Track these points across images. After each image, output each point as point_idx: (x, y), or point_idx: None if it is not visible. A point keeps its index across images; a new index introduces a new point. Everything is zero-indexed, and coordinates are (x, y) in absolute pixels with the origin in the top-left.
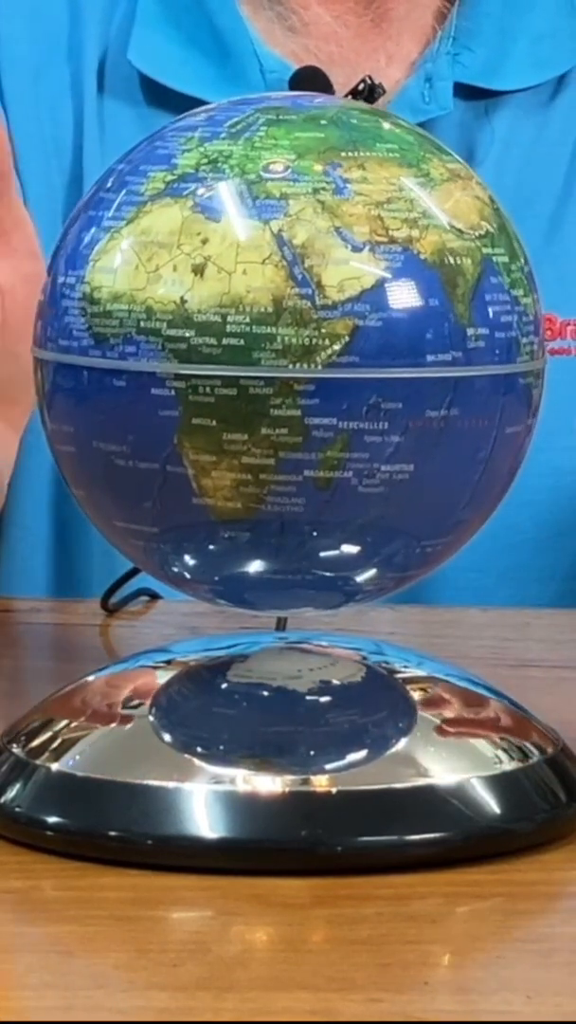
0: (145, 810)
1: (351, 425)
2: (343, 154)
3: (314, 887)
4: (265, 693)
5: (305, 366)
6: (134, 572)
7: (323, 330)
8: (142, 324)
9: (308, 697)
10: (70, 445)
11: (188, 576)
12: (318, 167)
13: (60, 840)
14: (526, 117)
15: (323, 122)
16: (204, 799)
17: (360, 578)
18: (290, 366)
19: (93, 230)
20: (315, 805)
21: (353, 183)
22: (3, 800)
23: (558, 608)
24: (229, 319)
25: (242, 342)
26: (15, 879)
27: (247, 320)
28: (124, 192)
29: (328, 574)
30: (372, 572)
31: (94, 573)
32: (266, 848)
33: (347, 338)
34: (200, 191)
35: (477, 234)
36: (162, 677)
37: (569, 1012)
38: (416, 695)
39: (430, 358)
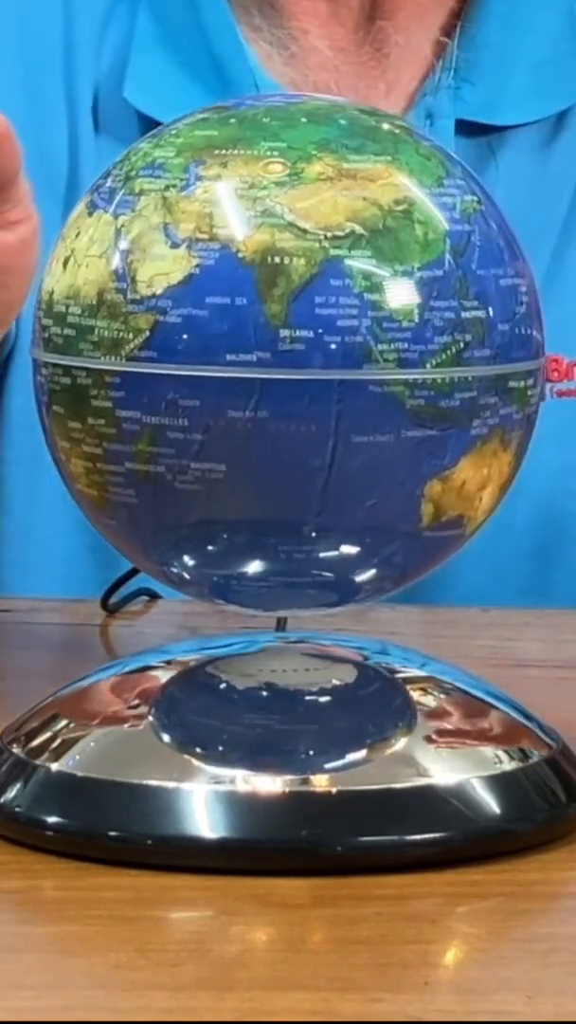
0: (145, 810)
1: (153, 420)
2: (216, 152)
3: (314, 887)
4: (265, 693)
5: (112, 359)
6: (134, 572)
7: (129, 324)
8: (36, 314)
9: (308, 697)
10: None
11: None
12: (183, 164)
13: (60, 840)
14: (529, 154)
15: (232, 120)
16: (204, 799)
17: (237, 576)
18: (101, 358)
19: None
20: (315, 805)
21: (204, 180)
22: (3, 800)
23: (558, 608)
24: (70, 310)
25: (73, 333)
26: (15, 879)
27: (80, 311)
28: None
29: (207, 570)
30: (235, 570)
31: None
32: (266, 848)
33: (148, 333)
34: (99, 187)
35: (330, 235)
36: (162, 677)
37: (569, 1012)
38: (416, 695)
39: (230, 357)
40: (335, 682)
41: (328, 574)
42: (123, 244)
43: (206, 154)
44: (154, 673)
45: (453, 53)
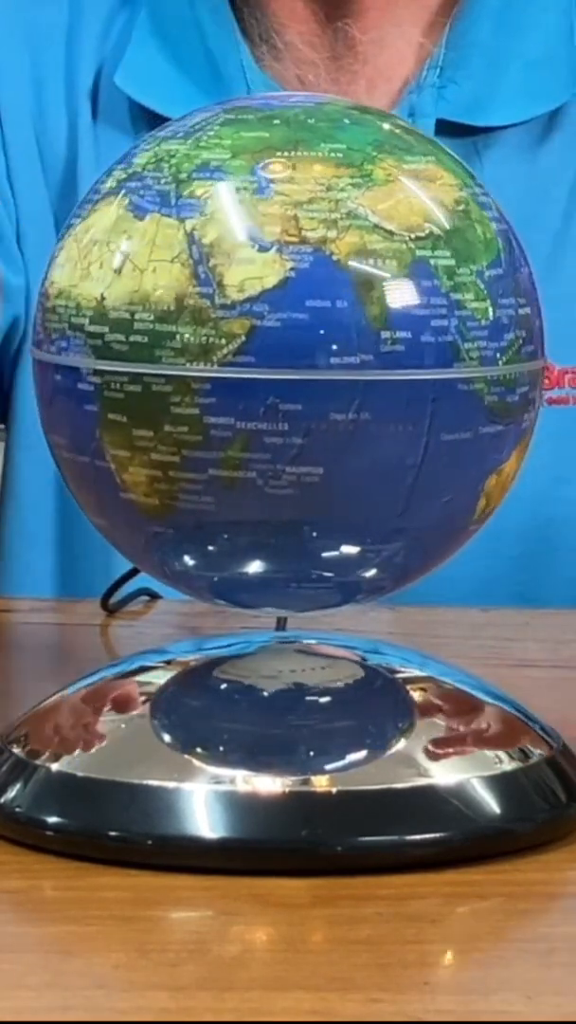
0: (145, 810)
1: (249, 425)
2: (279, 154)
3: (314, 887)
4: (265, 693)
5: (202, 365)
6: (134, 572)
7: (220, 329)
8: (72, 320)
9: (308, 697)
10: (45, 435)
11: (144, 568)
12: (246, 167)
13: (60, 840)
14: (517, 155)
15: (276, 122)
16: (204, 799)
17: (307, 578)
18: (187, 364)
19: (64, 228)
20: (315, 805)
21: (277, 183)
22: (3, 800)
23: (558, 608)
24: (137, 316)
25: (146, 339)
26: (15, 879)
27: (152, 318)
28: (93, 191)
29: (279, 574)
30: (313, 573)
31: (99, 568)
32: (266, 848)
33: (243, 338)
34: (138, 189)
35: (413, 236)
36: (161, 677)
37: (569, 1012)
38: (416, 695)
39: (334, 360)
40: (335, 682)
41: (386, 573)
42: (200, 248)
43: (267, 156)
44: (154, 673)
45: (440, 52)
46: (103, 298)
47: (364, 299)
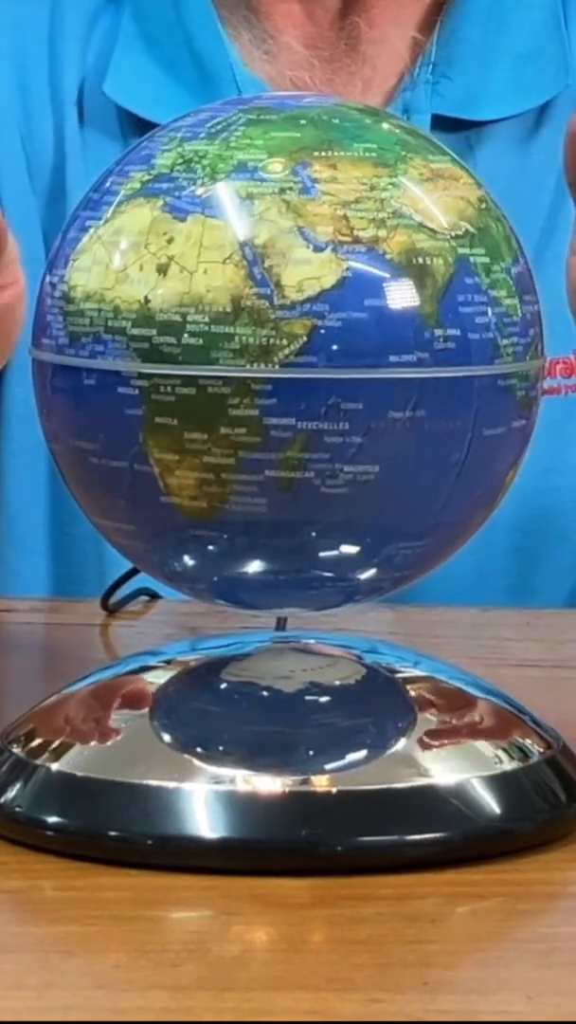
0: (145, 810)
1: (310, 425)
2: (316, 154)
3: (314, 887)
4: (265, 693)
5: (262, 366)
6: (134, 572)
7: (280, 330)
8: (110, 323)
9: (308, 697)
10: (54, 442)
11: (167, 574)
12: (287, 167)
13: (60, 840)
14: (508, 149)
15: (303, 122)
16: (204, 799)
17: (342, 577)
18: (247, 366)
19: (75, 230)
20: (315, 805)
21: (322, 183)
22: (3, 800)
23: (558, 608)
24: (189, 318)
25: (201, 341)
26: (15, 879)
27: (206, 319)
28: (105, 192)
29: (325, 574)
30: (371, 573)
31: (92, 573)
32: (266, 848)
33: (304, 338)
34: (171, 191)
35: (453, 234)
36: (161, 677)
37: (569, 1012)
38: (416, 695)
39: (393, 359)
40: (335, 682)
41: (413, 568)
42: (252, 249)
43: (305, 156)
44: (154, 673)
45: (432, 48)
46: (147, 300)
47: (418, 298)
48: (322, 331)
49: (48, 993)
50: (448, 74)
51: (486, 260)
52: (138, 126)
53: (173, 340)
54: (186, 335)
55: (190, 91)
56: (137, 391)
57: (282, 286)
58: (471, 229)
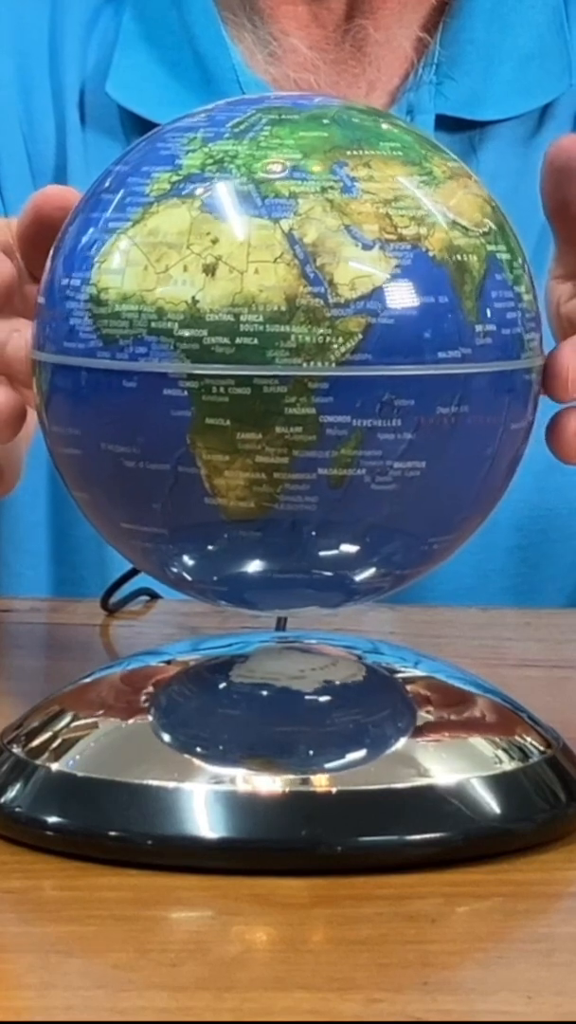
0: (145, 810)
1: (365, 423)
2: (348, 152)
3: (314, 887)
4: (265, 693)
5: (319, 364)
6: (134, 572)
7: (336, 328)
8: (153, 325)
9: (308, 697)
10: (74, 448)
11: (191, 577)
12: (324, 166)
13: (60, 840)
14: (511, 149)
15: (325, 121)
16: (204, 799)
17: (361, 576)
18: (304, 364)
19: (93, 231)
20: (315, 805)
21: (360, 181)
22: (3, 800)
23: (560, 608)
24: (242, 318)
25: (256, 341)
26: (15, 879)
27: (260, 319)
28: (126, 193)
29: (330, 573)
30: (374, 571)
31: (93, 575)
32: (266, 848)
33: (360, 336)
34: (207, 191)
35: (481, 231)
36: (162, 677)
37: (569, 1012)
38: (415, 695)
39: (441, 355)
40: (335, 682)
41: (432, 563)
42: (303, 248)
43: (339, 156)
44: (153, 673)
45: (435, 49)
46: (195, 301)
47: (460, 294)
48: (376, 328)
49: (48, 993)
50: (452, 74)
51: (508, 256)
52: (140, 126)
53: (226, 340)
54: (240, 335)
55: (193, 92)
56: (186, 392)
57: (335, 284)
58: (493, 226)
